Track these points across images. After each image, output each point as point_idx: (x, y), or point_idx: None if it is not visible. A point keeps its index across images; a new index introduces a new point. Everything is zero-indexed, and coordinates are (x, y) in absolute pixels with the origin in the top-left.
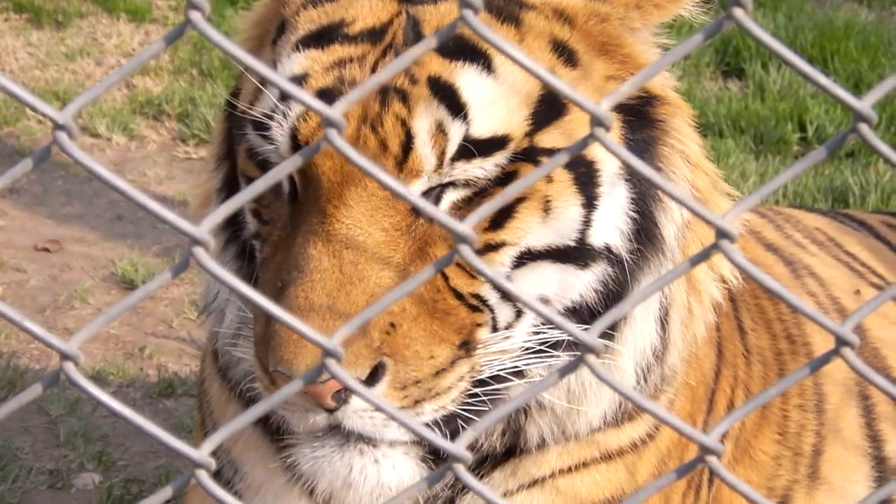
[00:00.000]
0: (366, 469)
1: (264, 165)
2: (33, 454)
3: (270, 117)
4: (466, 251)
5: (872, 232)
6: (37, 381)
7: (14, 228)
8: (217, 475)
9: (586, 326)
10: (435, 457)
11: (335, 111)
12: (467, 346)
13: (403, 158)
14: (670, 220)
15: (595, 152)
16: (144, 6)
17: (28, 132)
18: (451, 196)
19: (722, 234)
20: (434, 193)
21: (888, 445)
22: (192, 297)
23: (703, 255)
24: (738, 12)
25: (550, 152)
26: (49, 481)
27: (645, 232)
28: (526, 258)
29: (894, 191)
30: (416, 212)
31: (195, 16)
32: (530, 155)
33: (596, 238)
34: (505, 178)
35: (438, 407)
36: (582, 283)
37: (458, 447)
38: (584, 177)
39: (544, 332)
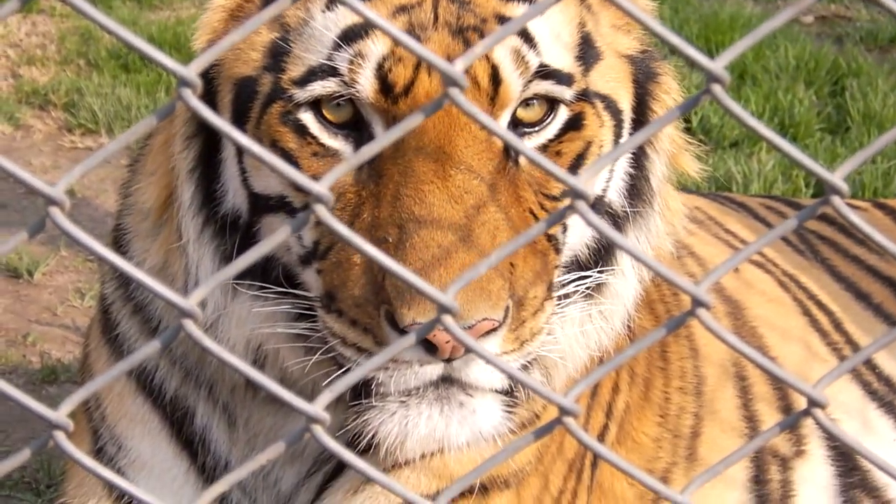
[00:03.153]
0: (465, 420)
1: (302, 130)
2: None
3: (332, 66)
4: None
5: (752, 213)
6: None
7: None
8: (99, 452)
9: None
10: (513, 403)
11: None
12: (551, 287)
13: (494, 92)
14: (656, 174)
15: (622, 102)
16: None
17: None
18: (528, 144)
19: (577, 195)
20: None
21: (764, 426)
22: (77, 285)
23: (556, 218)
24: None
25: (600, 96)
26: None
27: (638, 187)
28: None
29: (777, 179)
30: (507, 154)
31: None
32: (588, 96)
33: (610, 190)
34: (573, 119)
35: (532, 349)
36: (586, 236)
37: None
38: (618, 126)
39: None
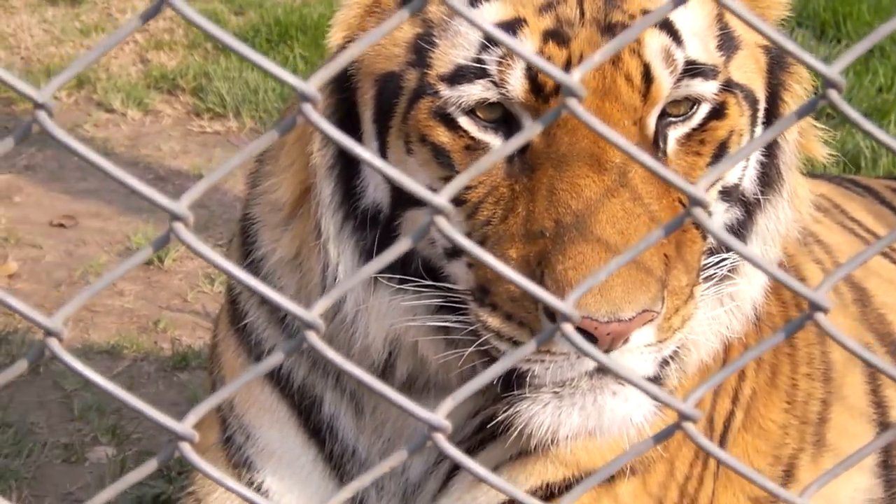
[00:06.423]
0: (617, 409)
1: (453, 124)
2: (48, 428)
3: (482, 67)
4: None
5: (878, 197)
6: (21, 358)
7: (30, 204)
8: (228, 441)
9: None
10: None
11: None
12: (698, 274)
13: (646, 89)
14: (785, 161)
15: (758, 92)
16: None
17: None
18: (674, 133)
19: (695, 202)
20: (660, 130)
21: (893, 411)
22: (207, 271)
23: (679, 221)
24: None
25: (740, 87)
26: (63, 455)
27: (769, 175)
28: (720, 195)
29: None
30: (656, 145)
31: None
32: (730, 86)
33: (745, 179)
34: (718, 108)
35: (683, 336)
36: (720, 223)
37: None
38: (754, 116)
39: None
